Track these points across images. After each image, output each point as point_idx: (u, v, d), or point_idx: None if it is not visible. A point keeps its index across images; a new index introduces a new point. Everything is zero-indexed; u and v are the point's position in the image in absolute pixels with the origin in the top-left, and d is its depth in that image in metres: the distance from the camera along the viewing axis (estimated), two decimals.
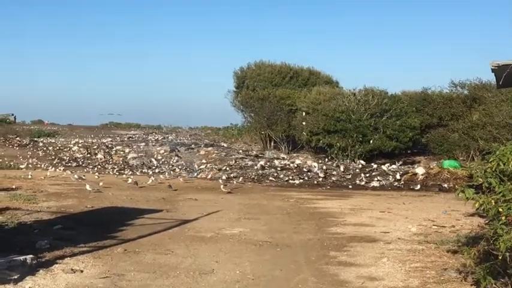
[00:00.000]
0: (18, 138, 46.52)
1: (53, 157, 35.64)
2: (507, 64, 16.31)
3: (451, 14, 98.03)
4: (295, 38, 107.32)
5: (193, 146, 39.43)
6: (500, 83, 19.69)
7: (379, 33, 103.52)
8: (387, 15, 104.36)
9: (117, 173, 27.53)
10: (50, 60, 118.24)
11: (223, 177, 24.57)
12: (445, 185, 21.66)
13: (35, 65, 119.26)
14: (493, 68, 17.13)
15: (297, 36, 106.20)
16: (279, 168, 27.79)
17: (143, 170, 29.09)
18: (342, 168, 26.83)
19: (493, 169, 7.44)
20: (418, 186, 22.02)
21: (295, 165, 28.50)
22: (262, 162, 29.60)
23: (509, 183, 7.04)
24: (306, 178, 25.03)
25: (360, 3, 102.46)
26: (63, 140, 48.02)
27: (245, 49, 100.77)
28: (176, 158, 33.68)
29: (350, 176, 25.24)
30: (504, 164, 7.24)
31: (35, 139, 47.27)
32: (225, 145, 41.70)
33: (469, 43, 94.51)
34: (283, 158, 32.40)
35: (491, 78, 25.13)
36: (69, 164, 31.92)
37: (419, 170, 23.99)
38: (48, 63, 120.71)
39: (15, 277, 7.92)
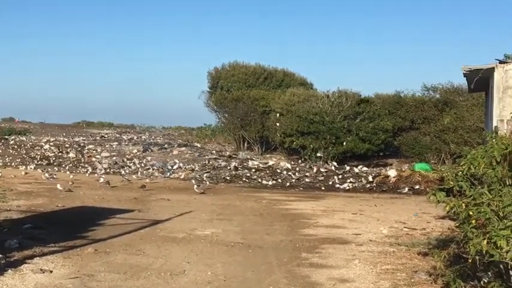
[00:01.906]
0: None
1: (24, 155, 35.12)
2: (478, 69, 16.60)
3: (424, 16, 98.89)
4: (269, 39, 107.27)
5: (166, 146, 39.18)
6: (472, 87, 20.02)
7: (353, 35, 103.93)
8: (361, 17, 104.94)
9: (89, 172, 27.25)
10: (21, 57, 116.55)
11: (197, 178, 24.47)
12: (417, 187, 21.82)
13: (5, 62, 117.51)
14: (464, 72, 17.43)
15: (272, 37, 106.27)
16: (252, 170, 27.79)
17: (116, 170, 28.83)
18: (314, 170, 26.92)
19: (464, 173, 7.52)
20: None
21: (269, 166, 28.54)
22: (235, 163, 29.54)
23: (479, 187, 7.11)
24: (279, 179, 25.04)
25: (333, 3, 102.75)
26: (34, 138, 47.40)
27: (219, 49, 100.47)
28: (149, 157, 33.45)
29: (323, 178, 25.31)
30: (475, 168, 7.31)
31: (6, 137, 46.55)
32: (199, 145, 41.50)
33: (442, 46, 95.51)
34: (257, 159, 32.40)
35: (462, 82, 25.53)
36: (41, 163, 31.44)
37: (391, 173, 24.13)
38: (20, 60, 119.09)
39: None
